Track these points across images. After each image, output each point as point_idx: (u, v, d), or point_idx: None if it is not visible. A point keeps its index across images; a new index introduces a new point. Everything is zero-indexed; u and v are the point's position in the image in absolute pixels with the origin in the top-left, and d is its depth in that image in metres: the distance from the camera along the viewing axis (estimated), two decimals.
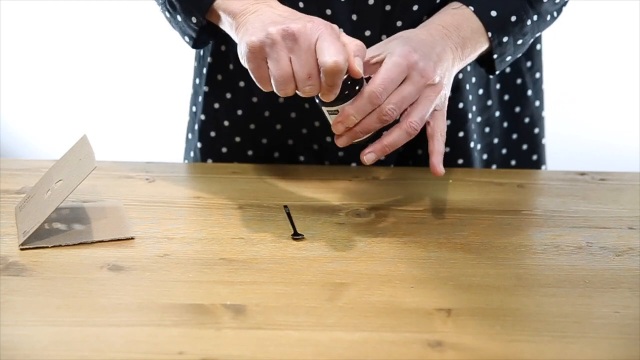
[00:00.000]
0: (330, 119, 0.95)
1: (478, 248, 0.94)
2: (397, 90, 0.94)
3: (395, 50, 0.95)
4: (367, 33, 1.10)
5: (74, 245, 0.93)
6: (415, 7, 1.08)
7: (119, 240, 0.94)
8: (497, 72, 1.09)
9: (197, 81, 1.23)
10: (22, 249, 0.91)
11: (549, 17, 1.11)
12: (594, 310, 0.82)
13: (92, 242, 0.93)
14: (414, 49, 0.96)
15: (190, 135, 1.25)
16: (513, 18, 1.05)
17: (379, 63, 0.95)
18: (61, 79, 2.60)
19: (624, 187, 1.12)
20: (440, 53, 0.98)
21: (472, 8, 1.04)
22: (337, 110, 0.93)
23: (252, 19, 0.96)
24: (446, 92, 0.98)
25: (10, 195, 1.05)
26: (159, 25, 2.35)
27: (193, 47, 1.10)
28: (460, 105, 1.17)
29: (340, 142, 0.95)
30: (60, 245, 0.92)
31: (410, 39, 0.98)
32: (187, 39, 1.09)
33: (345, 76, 0.91)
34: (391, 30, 1.09)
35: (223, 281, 0.86)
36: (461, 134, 1.18)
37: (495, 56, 1.06)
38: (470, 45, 1.03)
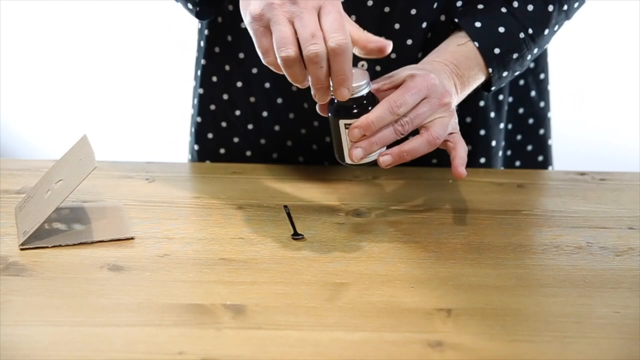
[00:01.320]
0: (344, 134, 0.94)
1: (478, 248, 0.94)
2: (413, 107, 0.94)
3: (414, 72, 0.96)
4: None
5: (74, 245, 0.93)
6: (413, 11, 1.09)
7: (119, 240, 0.94)
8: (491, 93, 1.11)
9: (194, 83, 1.23)
10: (22, 249, 0.91)
11: (546, 46, 1.14)
12: (594, 310, 0.82)
13: (92, 242, 0.93)
14: (431, 72, 0.97)
15: (193, 129, 1.25)
16: (515, 55, 1.07)
17: (393, 87, 0.96)
18: (61, 79, 2.60)
19: (624, 187, 1.12)
20: (447, 86, 1.00)
21: (477, 44, 1.04)
22: (351, 124, 0.93)
23: None
24: (456, 119, 0.99)
25: (10, 195, 1.05)
26: (159, 25, 2.35)
27: (197, 15, 1.07)
28: (482, 103, 1.17)
29: (356, 154, 0.93)
30: (60, 245, 0.92)
31: (423, 68, 0.99)
32: (190, 5, 1.07)
33: (362, 93, 0.91)
34: (389, 33, 1.10)
35: (223, 281, 0.86)
36: (482, 132, 1.18)
37: (493, 88, 1.08)
38: (468, 84, 1.04)
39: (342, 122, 0.93)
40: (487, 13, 1.06)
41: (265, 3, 0.87)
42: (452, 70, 1.02)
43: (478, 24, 1.05)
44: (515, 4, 1.07)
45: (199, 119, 1.21)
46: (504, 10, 1.06)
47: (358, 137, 0.92)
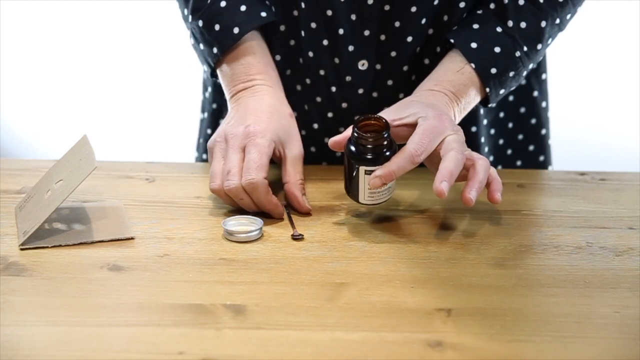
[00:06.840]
0: (362, 177, 0.96)
1: (478, 248, 0.94)
2: None
3: (427, 113, 0.98)
4: (366, 33, 1.11)
5: (74, 245, 0.93)
6: (413, 9, 1.09)
7: (119, 240, 0.94)
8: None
9: (206, 87, 1.25)
10: (22, 249, 0.91)
11: (541, 58, 1.15)
12: (594, 310, 0.82)
13: (92, 242, 0.93)
14: (442, 111, 0.99)
15: (201, 140, 1.27)
16: (511, 73, 1.08)
17: (406, 125, 0.98)
18: (61, 79, 2.59)
19: (624, 187, 1.12)
20: (450, 117, 1.02)
21: (473, 65, 1.06)
22: (372, 170, 0.96)
23: (232, 110, 1.05)
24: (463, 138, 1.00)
25: (10, 195, 1.05)
26: (159, 25, 2.35)
27: (211, 75, 1.12)
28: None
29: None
30: (60, 245, 0.92)
31: (429, 104, 1.01)
32: (205, 67, 1.12)
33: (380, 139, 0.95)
34: (389, 31, 1.10)
35: (223, 281, 0.86)
36: (474, 129, 1.19)
37: (490, 105, 1.10)
38: (465, 110, 1.08)
39: (362, 168, 0.96)
40: (483, 33, 1.08)
41: (213, 138, 1.02)
42: (451, 100, 1.05)
43: (474, 45, 1.07)
44: (510, 23, 1.07)
45: (204, 116, 1.23)
46: (499, 29, 1.07)
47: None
